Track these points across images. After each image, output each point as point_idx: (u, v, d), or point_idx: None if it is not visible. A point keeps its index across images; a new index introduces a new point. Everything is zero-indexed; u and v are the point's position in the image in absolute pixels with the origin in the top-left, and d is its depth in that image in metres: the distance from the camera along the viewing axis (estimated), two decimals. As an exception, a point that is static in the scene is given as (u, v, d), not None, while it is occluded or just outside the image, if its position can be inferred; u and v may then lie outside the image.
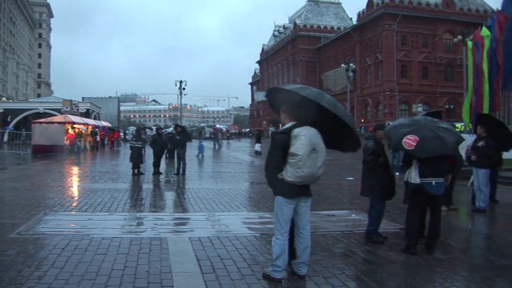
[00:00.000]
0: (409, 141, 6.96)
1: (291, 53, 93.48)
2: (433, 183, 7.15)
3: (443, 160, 7.25)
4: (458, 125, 29.31)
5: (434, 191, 7.20)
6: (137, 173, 18.27)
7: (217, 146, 44.70)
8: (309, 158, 5.44)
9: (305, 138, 5.47)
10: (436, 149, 7.00)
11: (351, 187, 14.80)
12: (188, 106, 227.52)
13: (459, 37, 37.24)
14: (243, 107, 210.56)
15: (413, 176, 7.15)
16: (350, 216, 10.43)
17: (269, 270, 5.80)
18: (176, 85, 68.93)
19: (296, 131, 5.54)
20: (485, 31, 23.79)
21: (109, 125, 56.24)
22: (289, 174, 5.50)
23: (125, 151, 34.20)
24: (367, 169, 7.97)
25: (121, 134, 57.67)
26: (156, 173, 18.80)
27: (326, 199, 12.80)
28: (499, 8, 23.84)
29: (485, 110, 22.19)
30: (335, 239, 8.13)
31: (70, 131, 36.09)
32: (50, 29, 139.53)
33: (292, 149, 5.47)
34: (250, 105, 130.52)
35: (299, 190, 5.63)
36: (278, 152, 5.60)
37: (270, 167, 5.77)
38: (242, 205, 11.76)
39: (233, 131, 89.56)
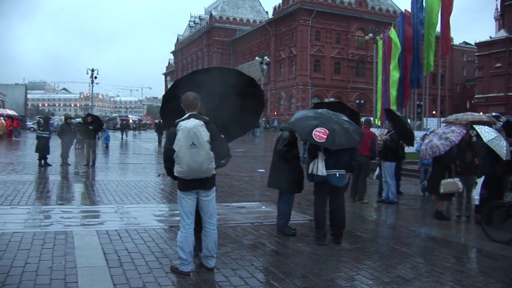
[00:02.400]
0: (319, 134, 7.03)
1: (206, 44, 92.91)
2: (337, 174, 7.37)
3: (346, 153, 7.43)
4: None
5: (337, 183, 7.41)
6: (44, 164, 17.53)
7: (125, 137, 43.85)
8: (187, 153, 5.32)
9: (182, 132, 5.34)
10: (345, 142, 7.18)
11: (262, 179, 14.79)
12: (100, 96, 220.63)
13: (370, 35, 38.50)
14: (156, 98, 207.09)
15: (320, 168, 7.28)
16: (260, 208, 10.55)
17: (177, 263, 5.75)
18: (87, 73, 66.76)
19: (179, 124, 5.42)
20: (393, 31, 24.83)
21: (15, 113, 53.54)
22: (174, 168, 5.45)
23: (30, 141, 32.65)
24: (278, 160, 8.00)
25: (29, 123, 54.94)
26: (64, 164, 18.08)
27: (237, 191, 12.89)
28: (408, 9, 24.88)
29: (392, 106, 23.18)
30: (245, 231, 8.18)
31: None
32: None
33: (174, 143, 5.40)
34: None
35: (192, 184, 5.53)
36: (168, 145, 5.52)
37: (164, 161, 5.76)
38: (152, 197, 11.56)
39: (145, 122, 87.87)
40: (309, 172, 7.50)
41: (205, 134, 5.42)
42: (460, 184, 9.81)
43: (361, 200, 11.32)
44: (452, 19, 22.59)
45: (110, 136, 31.82)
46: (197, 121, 5.45)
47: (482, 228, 8.43)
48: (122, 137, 43.33)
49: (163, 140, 33.19)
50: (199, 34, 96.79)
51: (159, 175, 15.83)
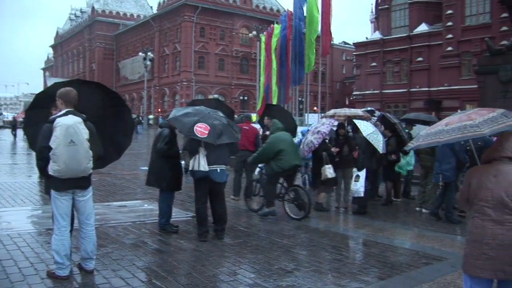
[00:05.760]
0: (201, 129, 7.02)
1: (88, 38, 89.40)
2: (218, 170, 7.44)
3: (226, 148, 7.53)
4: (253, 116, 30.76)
5: (218, 178, 7.48)
6: None
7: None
8: (65, 151, 5.11)
9: (60, 129, 5.11)
10: (226, 137, 7.25)
11: (145, 177, 14.51)
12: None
13: (254, 32, 39.07)
14: (35, 94, 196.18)
15: (202, 164, 7.29)
16: (142, 206, 10.38)
17: (53, 268, 5.48)
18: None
19: (56, 120, 5.17)
20: (277, 29, 25.46)
21: None
22: (49, 167, 5.18)
23: None
24: (157, 158, 7.90)
25: None
26: None
27: (119, 189, 12.57)
28: (290, 9, 25.57)
29: (274, 102, 23.74)
30: (126, 230, 8.02)
31: None
32: None
33: (50, 141, 5.13)
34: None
35: (69, 183, 5.30)
36: (43, 142, 5.20)
37: (36, 159, 5.47)
38: (28, 199, 10.92)
39: (22, 120, 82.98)
40: (190, 168, 7.47)
41: (84, 132, 5.22)
42: (330, 171, 10.02)
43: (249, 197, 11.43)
44: (333, 19, 23.49)
45: None
46: (76, 118, 5.23)
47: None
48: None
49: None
50: (81, 28, 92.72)
51: None
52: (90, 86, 6.23)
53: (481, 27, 40.73)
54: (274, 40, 25.23)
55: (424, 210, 10.44)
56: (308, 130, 11.41)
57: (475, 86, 18.30)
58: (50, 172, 5.19)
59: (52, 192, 5.40)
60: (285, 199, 9.66)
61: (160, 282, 5.50)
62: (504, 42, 22.69)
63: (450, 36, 43.26)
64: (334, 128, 10.68)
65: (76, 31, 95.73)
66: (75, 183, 5.35)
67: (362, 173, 10.05)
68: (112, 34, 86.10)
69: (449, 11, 43.31)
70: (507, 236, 3.55)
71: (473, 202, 3.80)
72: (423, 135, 3.92)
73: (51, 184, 5.40)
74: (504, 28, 35.13)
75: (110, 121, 6.04)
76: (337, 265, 6.43)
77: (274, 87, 24.78)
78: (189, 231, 8.04)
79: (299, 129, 15.77)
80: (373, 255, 7.00)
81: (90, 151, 5.29)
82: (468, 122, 3.62)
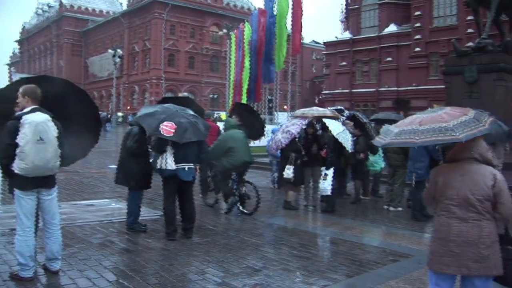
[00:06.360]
0: (167, 128, 6.97)
1: (56, 34, 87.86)
2: (186, 168, 7.39)
3: (193, 146, 7.48)
4: (222, 114, 30.74)
5: (186, 176, 7.43)
6: None
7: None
8: (34, 149, 4.99)
9: (29, 126, 4.99)
10: (193, 135, 7.20)
11: (114, 176, 14.41)
12: None
13: (224, 30, 38.90)
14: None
15: (169, 162, 7.25)
16: (110, 205, 10.24)
17: (17, 269, 5.36)
18: None
19: (24, 117, 5.04)
20: (248, 28, 25.44)
21: None
22: (15, 165, 5.05)
23: None
24: (126, 156, 7.83)
25: None
26: None
27: (87, 188, 12.40)
28: (262, 8, 25.57)
29: (244, 101, 23.74)
30: (94, 229, 7.91)
31: None
32: None
33: (18, 138, 5.00)
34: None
35: (34, 182, 5.18)
36: (8, 140, 5.05)
37: (1, 158, 5.27)
38: (-9, 198, 10.67)
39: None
40: (158, 167, 7.41)
41: (53, 130, 5.13)
42: (289, 171, 10.16)
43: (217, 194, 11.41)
44: (303, 18, 23.63)
45: None
46: (45, 115, 5.13)
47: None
48: None
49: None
50: (48, 23, 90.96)
51: None
52: (55, 83, 6.11)
53: (448, 28, 41.46)
54: (246, 39, 25.21)
55: (391, 208, 10.56)
56: (279, 128, 11.45)
57: (442, 86, 18.61)
58: (16, 170, 5.06)
59: (16, 191, 5.26)
60: (236, 194, 9.88)
61: (127, 282, 5.43)
62: (469, 43, 23.16)
63: (418, 37, 43.93)
64: (304, 127, 10.73)
65: (43, 26, 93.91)
66: (41, 182, 5.24)
67: (330, 172, 10.11)
68: (80, 30, 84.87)
69: (418, 12, 43.97)
70: (471, 233, 3.62)
71: (439, 200, 3.86)
72: (395, 132, 3.87)
73: (15, 183, 5.26)
74: (470, 30, 35.86)
75: (76, 118, 5.93)
76: (306, 263, 6.45)
77: (245, 86, 24.78)
78: (158, 230, 7.98)
79: (270, 127, 15.82)
80: (341, 253, 7.05)
81: (59, 149, 5.19)
82: (442, 124, 3.61)
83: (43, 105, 5.26)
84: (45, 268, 5.62)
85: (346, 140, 10.03)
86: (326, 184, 10.03)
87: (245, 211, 9.73)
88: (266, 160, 16.04)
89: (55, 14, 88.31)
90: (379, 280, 5.76)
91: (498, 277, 3.78)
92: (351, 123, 11.56)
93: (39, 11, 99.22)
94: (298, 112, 11.60)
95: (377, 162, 11.92)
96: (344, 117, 12.49)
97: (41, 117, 5.09)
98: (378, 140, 4.07)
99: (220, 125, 12.67)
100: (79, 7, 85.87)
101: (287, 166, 10.15)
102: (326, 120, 10.59)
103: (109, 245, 7.02)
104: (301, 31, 24.03)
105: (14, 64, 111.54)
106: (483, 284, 3.73)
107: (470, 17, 27.41)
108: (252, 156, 10.21)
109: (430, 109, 4.16)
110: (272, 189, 13.46)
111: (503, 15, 16.86)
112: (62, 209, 8.32)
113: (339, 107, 15.65)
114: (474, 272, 3.64)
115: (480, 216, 3.64)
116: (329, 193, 10.03)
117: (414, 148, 9.24)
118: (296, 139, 10.45)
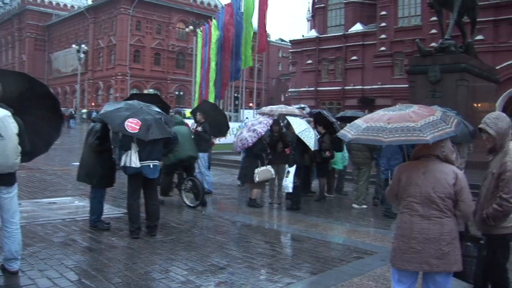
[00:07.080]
0: (132, 125, 6.88)
1: (18, 28, 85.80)
2: (151, 166, 7.33)
3: (158, 143, 7.43)
4: (187, 111, 30.52)
5: (151, 174, 7.37)
6: None
7: None
8: None
9: None
10: (158, 132, 7.14)
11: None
12: None
13: (191, 27, 38.59)
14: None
15: (134, 160, 7.17)
16: (73, 203, 10.07)
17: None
18: None
19: None
20: (214, 25, 25.35)
21: None
22: None
23: None
24: (88, 153, 7.71)
25: None
26: None
27: (49, 185, 12.18)
28: (229, 4, 25.51)
29: (211, 98, 23.68)
30: (56, 228, 7.76)
31: None
32: None
33: None
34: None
35: None
36: None
37: None
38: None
39: None
40: (122, 164, 7.32)
41: (13, 126, 4.97)
42: (272, 171, 10.33)
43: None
44: (270, 16, 23.70)
45: None
46: (5, 111, 4.97)
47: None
48: None
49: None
50: (9, 16, 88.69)
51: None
52: (16, 77, 5.95)
53: (412, 29, 41.99)
54: (214, 36, 25.11)
55: (356, 206, 10.66)
56: (244, 125, 11.44)
57: (407, 85, 18.85)
58: None
59: None
60: (181, 188, 10.20)
61: (90, 281, 5.34)
62: (433, 44, 23.51)
63: (383, 36, 44.39)
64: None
65: (4, 19, 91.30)
66: (0, 180, 5.10)
67: (292, 170, 10.16)
68: (44, 24, 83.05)
69: (383, 12, 44.43)
70: (433, 230, 3.69)
71: (402, 197, 3.91)
72: (363, 128, 3.86)
73: None
74: (434, 30, 36.40)
75: (37, 113, 5.80)
76: (270, 260, 6.47)
77: (211, 83, 24.70)
78: (121, 228, 7.88)
79: (236, 124, 15.81)
80: (306, 250, 7.08)
81: (19, 146, 5.05)
82: (410, 123, 3.64)
83: (2, 101, 5.12)
84: (3, 269, 5.44)
85: (309, 138, 10.08)
86: (288, 182, 10.09)
87: (190, 204, 10.05)
88: (232, 157, 16.02)
89: (17, 7, 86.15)
90: (343, 277, 5.80)
91: (457, 273, 3.88)
92: (311, 119, 11.65)
93: (0, 4, 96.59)
94: (266, 109, 11.62)
95: (339, 160, 12.03)
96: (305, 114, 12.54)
97: (1, 113, 4.94)
98: (345, 133, 4.04)
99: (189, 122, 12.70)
100: (42, 1, 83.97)
101: (268, 166, 10.33)
102: (290, 118, 10.63)
103: (72, 243, 6.90)
104: (266, 29, 24.05)
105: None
106: (444, 280, 3.80)
107: (434, 18, 27.79)
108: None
109: (398, 105, 4.17)
110: (239, 187, 13.41)
111: (465, 17, 17.23)
112: (23, 207, 8.15)
113: (302, 106, 15.77)
114: (435, 268, 3.70)
115: (442, 214, 3.71)
116: (291, 190, 10.08)
117: (387, 146, 9.34)
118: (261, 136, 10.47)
